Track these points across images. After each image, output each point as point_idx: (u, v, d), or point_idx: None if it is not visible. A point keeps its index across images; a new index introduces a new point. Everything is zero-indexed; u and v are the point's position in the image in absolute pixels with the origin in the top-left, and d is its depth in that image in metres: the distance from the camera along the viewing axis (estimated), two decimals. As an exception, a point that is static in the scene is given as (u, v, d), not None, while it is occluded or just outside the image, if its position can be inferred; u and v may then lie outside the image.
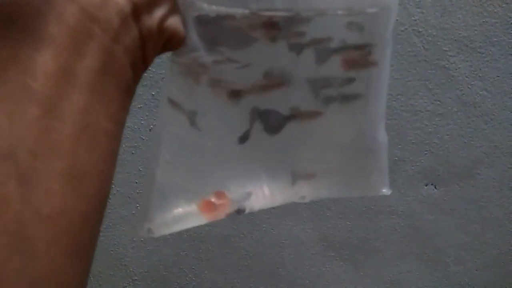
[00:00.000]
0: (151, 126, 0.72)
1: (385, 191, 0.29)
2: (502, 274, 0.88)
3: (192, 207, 0.25)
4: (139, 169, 0.75)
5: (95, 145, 0.15)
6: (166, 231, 0.25)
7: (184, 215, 0.25)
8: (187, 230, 0.81)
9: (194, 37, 0.20)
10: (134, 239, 0.82)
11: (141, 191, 0.77)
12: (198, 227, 0.83)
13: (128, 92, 0.17)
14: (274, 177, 0.27)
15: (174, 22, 0.18)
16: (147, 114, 0.71)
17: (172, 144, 0.24)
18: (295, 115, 0.24)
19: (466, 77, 0.72)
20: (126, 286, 0.87)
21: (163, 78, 0.69)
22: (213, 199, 0.25)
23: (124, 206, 0.78)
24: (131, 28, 0.16)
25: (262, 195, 0.27)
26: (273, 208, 0.81)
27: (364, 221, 0.83)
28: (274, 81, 0.23)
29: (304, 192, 0.28)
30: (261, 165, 0.26)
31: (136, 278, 0.86)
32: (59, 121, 0.14)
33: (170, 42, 0.19)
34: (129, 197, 0.78)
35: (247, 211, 0.27)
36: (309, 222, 0.83)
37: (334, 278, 0.88)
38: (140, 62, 0.18)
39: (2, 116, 0.13)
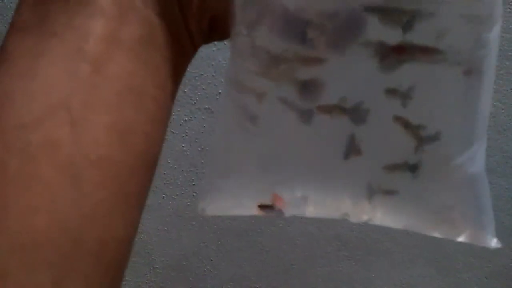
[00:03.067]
0: (182, 121, 0.77)
1: (490, 240, 0.23)
2: (511, 283, 0.89)
3: (249, 202, 0.25)
4: (168, 161, 0.80)
5: (141, 107, 0.17)
6: (218, 213, 0.25)
7: (239, 205, 0.25)
8: (208, 222, 0.86)
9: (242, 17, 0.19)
10: (158, 228, 0.87)
11: (167, 182, 0.82)
12: (219, 220, 0.87)
13: (176, 65, 0.19)
14: (348, 188, 0.24)
15: (214, 1, 0.19)
16: (179, 109, 0.76)
17: (241, 132, 0.23)
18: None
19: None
20: (147, 274, 0.91)
21: (196, 76, 0.74)
22: (270, 202, 0.25)
23: (151, 195, 0.82)
24: (171, 3, 0.18)
25: (323, 204, 0.25)
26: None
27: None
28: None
29: (378, 211, 0.24)
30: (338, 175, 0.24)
31: (157, 266, 0.90)
32: (107, 80, 0.16)
33: (216, 23, 0.20)
34: (156, 187, 0.83)
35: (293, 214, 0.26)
36: (324, 221, 0.86)
37: (346, 277, 0.91)
38: (186, 39, 0.19)
39: (60, 72, 0.16)
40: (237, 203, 0.25)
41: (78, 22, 0.16)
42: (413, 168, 0.23)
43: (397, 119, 0.22)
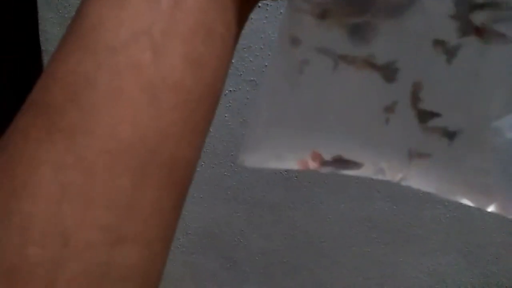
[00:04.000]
0: (227, 92, 0.79)
1: None
2: (542, 279, 0.89)
3: (288, 157, 0.26)
4: (210, 130, 0.83)
5: (210, 42, 0.19)
6: (257, 165, 0.26)
7: (278, 158, 0.26)
8: (243, 194, 0.88)
9: None
10: (194, 194, 0.89)
11: (207, 150, 0.85)
12: (252, 192, 0.89)
13: (240, 10, 0.20)
14: (396, 152, 0.24)
15: None
16: (224, 79, 0.78)
17: (288, 87, 0.24)
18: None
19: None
20: (180, 238, 0.94)
21: (244, 48, 0.76)
22: (309, 160, 0.26)
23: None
24: None
25: (371, 167, 0.25)
26: (325, 182, 0.86)
27: (410, 207, 0.86)
28: None
29: (412, 171, 0.24)
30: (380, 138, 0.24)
31: (190, 232, 0.93)
32: (183, 13, 0.18)
33: None
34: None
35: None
36: (356, 201, 0.87)
37: (374, 260, 0.92)
38: None
39: (144, 4, 0.17)
40: (277, 156, 0.26)
41: None
42: (451, 135, 0.23)
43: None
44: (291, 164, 0.26)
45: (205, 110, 0.19)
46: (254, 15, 0.72)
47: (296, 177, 0.85)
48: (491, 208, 0.23)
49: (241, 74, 0.78)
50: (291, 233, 0.91)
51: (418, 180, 0.24)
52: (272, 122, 0.26)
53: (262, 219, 0.90)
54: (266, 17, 0.73)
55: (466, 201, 0.24)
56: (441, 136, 0.23)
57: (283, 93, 0.25)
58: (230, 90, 0.79)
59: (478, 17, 0.21)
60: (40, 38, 0.78)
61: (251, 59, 0.76)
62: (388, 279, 0.93)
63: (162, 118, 0.18)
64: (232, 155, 0.85)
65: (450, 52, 0.22)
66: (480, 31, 0.21)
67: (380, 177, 0.25)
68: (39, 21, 0.77)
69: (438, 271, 0.92)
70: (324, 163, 0.26)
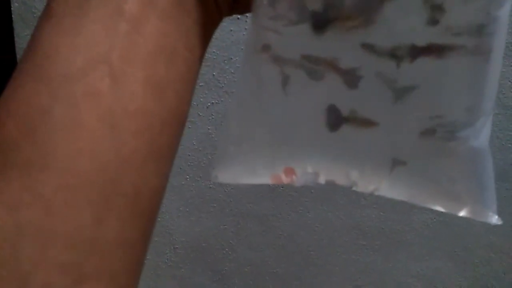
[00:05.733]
0: (209, 104, 0.78)
1: (491, 217, 0.23)
2: (530, 280, 0.89)
3: (261, 172, 0.26)
4: (193, 143, 0.82)
5: (172, 66, 0.18)
6: (230, 181, 0.26)
7: (251, 173, 0.26)
8: (230, 205, 0.87)
9: None
10: (180, 208, 0.88)
11: (191, 163, 0.84)
12: (239, 203, 0.88)
13: (204, 31, 0.20)
14: (369, 161, 0.25)
15: None
16: (206, 92, 0.78)
17: (256, 102, 0.24)
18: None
19: (509, 81, 0.75)
20: (167, 253, 0.93)
21: (225, 60, 0.75)
22: (282, 175, 0.26)
23: (174, 176, 0.84)
24: None
25: (333, 173, 0.25)
26: (312, 191, 0.86)
27: (398, 213, 0.86)
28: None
29: (384, 182, 0.24)
30: (355, 149, 0.24)
31: (177, 246, 0.92)
32: (142, 37, 0.17)
33: None
34: (180, 168, 0.84)
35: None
36: (343, 209, 0.87)
37: (363, 267, 0.92)
38: (213, 7, 0.20)
39: (102, 29, 0.17)
40: (250, 171, 0.26)
41: None
42: (428, 135, 0.23)
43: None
44: (264, 179, 0.26)
45: (170, 135, 0.19)
46: (233, 27, 0.72)
47: (283, 187, 0.85)
48: (462, 213, 0.23)
49: (222, 86, 0.77)
50: (279, 243, 0.91)
51: (391, 189, 0.25)
52: (243, 138, 0.26)
53: (249, 231, 0.90)
54: (245, 28, 0.72)
55: (438, 207, 0.24)
56: (418, 140, 0.23)
57: (252, 108, 0.25)
58: (213, 103, 0.78)
59: (447, 39, 0.21)
60: (18, 56, 0.76)
61: (232, 71, 0.76)
62: (378, 285, 0.93)
63: (123, 147, 0.17)
64: (217, 167, 0.84)
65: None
66: (450, 51, 0.21)
67: (354, 188, 0.25)
68: (16, 39, 0.75)
69: (427, 276, 0.91)
70: (297, 177, 0.26)
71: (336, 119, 0.24)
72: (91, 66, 0.17)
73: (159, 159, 0.18)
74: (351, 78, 0.22)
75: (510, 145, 0.80)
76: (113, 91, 0.17)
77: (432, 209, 0.23)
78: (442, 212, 0.23)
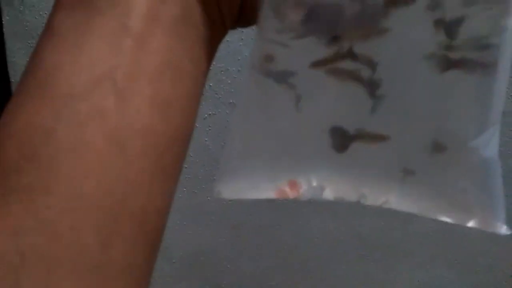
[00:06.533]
0: (206, 115, 0.78)
1: (500, 227, 0.23)
2: (532, 287, 0.89)
3: (266, 187, 0.25)
4: (190, 155, 0.81)
5: (178, 82, 0.18)
6: (234, 196, 0.26)
7: (255, 188, 0.26)
8: (228, 217, 0.86)
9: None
10: (177, 221, 0.87)
11: (189, 176, 0.83)
12: (237, 215, 0.87)
13: (209, 45, 0.20)
14: (378, 175, 0.24)
15: None
16: (203, 103, 0.77)
17: (263, 116, 0.24)
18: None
19: (506, 88, 0.75)
20: (164, 268, 0.91)
21: (221, 71, 0.75)
22: (287, 189, 0.25)
23: (171, 189, 0.83)
24: None
25: (340, 187, 0.25)
26: (311, 202, 0.84)
27: (398, 222, 0.85)
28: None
29: (393, 194, 0.24)
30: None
31: (175, 261, 0.90)
32: (147, 54, 0.17)
33: (244, 8, 0.21)
34: (177, 181, 0.83)
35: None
36: (343, 219, 0.86)
37: (364, 277, 0.91)
38: (218, 20, 0.20)
39: (106, 46, 0.16)
40: (253, 186, 0.25)
41: (121, 0, 0.17)
42: (438, 149, 0.23)
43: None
44: (269, 193, 0.26)
45: (175, 153, 0.18)
46: (229, 38, 0.71)
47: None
48: (471, 224, 0.23)
49: (219, 97, 0.76)
50: (279, 254, 0.89)
51: (400, 201, 0.25)
52: (247, 153, 0.25)
53: (248, 243, 0.88)
54: (242, 39, 0.72)
55: (446, 219, 0.24)
56: (428, 151, 0.23)
57: (259, 122, 0.24)
58: (210, 114, 0.77)
59: (456, 52, 0.21)
60: (9, 70, 0.75)
61: (229, 81, 0.75)
62: (380, 296, 0.92)
63: (130, 167, 0.16)
64: (214, 179, 0.83)
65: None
66: (460, 64, 0.21)
67: (362, 201, 0.25)
68: (7, 52, 0.74)
69: (429, 285, 0.91)
70: (302, 191, 0.25)
71: (343, 140, 0.24)
72: (96, 84, 0.16)
73: (165, 178, 0.18)
74: (372, 88, 0.22)
75: (509, 152, 0.80)
76: (118, 109, 0.16)
77: (433, 218, 0.23)
78: (442, 221, 0.24)
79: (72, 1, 0.17)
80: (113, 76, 0.16)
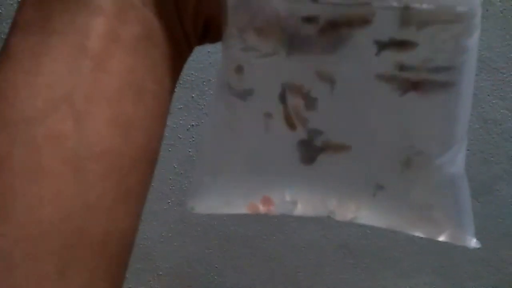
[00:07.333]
0: (189, 126, 0.77)
1: (469, 240, 0.23)
2: (518, 292, 0.89)
3: (238, 202, 0.25)
4: (174, 166, 0.80)
5: (140, 102, 0.17)
6: (207, 212, 0.26)
7: (228, 204, 0.26)
8: (214, 229, 0.85)
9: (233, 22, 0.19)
10: (163, 234, 0.86)
11: (173, 187, 0.82)
12: (224, 226, 0.86)
13: (173, 63, 0.19)
14: (347, 189, 0.25)
15: (209, 3, 0.20)
16: (186, 114, 0.76)
17: (232, 133, 0.24)
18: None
19: (488, 95, 0.76)
20: (151, 280, 0.90)
21: (203, 82, 0.74)
22: (259, 205, 0.25)
23: (156, 201, 0.82)
24: (168, 2, 0.18)
25: (311, 203, 0.25)
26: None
27: (384, 230, 0.85)
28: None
29: (363, 210, 0.24)
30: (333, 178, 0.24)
31: (161, 273, 0.89)
32: (107, 75, 0.16)
33: (210, 25, 0.21)
34: (162, 192, 0.82)
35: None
36: (330, 228, 0.86)
37: (352, 286, 0.90)
38: (182, 39, 0.20)
39: (63, 68, 0.16)
40: (226, 202, 0.25)
41: (79, 20, 0.16)
42: (406, 164, 0.23)
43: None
44: (241, 209, 0.26)
45: (140, 174, 0.18)
46: (211, 48, 0.71)
47: (267, 208, 0.83)
48: (441, 238, 0.24)
49: (202, 108, 0.76)
50: (266, 265, 0.89)
51: (369, 217, 0.25)
52: (218, 169, 0.25)
53: (235, 254, 0.88)
54: (223, 49, 0.72)
55: (417, 233, 0.24)
56: (397, 166, 0.23)
57: (226, 139, 0.24)
58: (193, 125, 0.77)
59: (416, 73, 0.20)
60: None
61: (211, 93, 0.75)
62: (368, 304, 0.92)
63: (89, 191, 0.16)
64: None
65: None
66: (418, 86, 0.21)
67: (332, 217, 0.25)
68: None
69: (417, 292, 0.91)
70: (274, 206, 0.25)
71: (311, 152, 0.24)
72: (53, 108, 0.16)
73: (129, 200, 0.18)
74: (310, 101, 0.22)
75: (492, 158, 0.81)
76: (77, 133, 0.16)
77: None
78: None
79: (28, 22, 0.17)
80: (71, 98, 0.16)
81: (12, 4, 0.70)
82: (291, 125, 0.23)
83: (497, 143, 0.79)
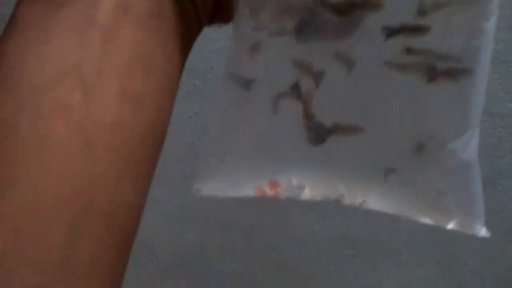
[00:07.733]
0: (192, 114, 0.77)
1: (479, 229, 0.23)
2: (518, 287, 0.89)
3: (245, 185, 0.25)
4: (176, 153, 0.80)
5: (150, 76, 0.17)
6: (213, 194, 0.26)
7: (235, 186, 0.26)
8: (214, 217, 0.85)
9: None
10: (162, 221, 0.86)
11: (174, 174, 0.82)
12: (224, 215, 0.87)
13: (183, 40, 0.19)
14: (357, 173, 0.24)
15: None
16: (189, 102, 0.76)
17: (240, 115, 0.23)
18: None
19: (494, 88, 0.75)
20: (149, 267, 0.90)
21: (206, 69, 0.74)
22: (266, 188, 0.25)
23: (157, 188, 0.82)
24: None
25: (319, 186, 0.25)
26: (298, 202, 0.84)
27: (385, 222, 0.85)
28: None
29: (371, 194, 0.24)
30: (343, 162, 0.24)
31: (160, 259, 0.89)
32: (117, 47, 0.16)
33: (221, 3, 0.20)
34: (162, 179, 0.82)
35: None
36: (331, 219, 0.86)
37: (351, 277, 0.90)
38: (192, 16, 0.19)
39: (72, 40, 0.16)
40: (232, 185, 0.25)
41: None
42: (419, 148, 0.23)
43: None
44: (248, 192, 0.26)
45: (148, 149, 0.18)
46: (215, 35, 0.70)
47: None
48: (450, 226, 0.24)
49: (205, 96, 0.75)
50: (266, 255, 0.89)
51: (379, 201, 0.24)
52: (225, 151, 0.25)
53: (235, 243, 0.88)
54: (228, 37, 0.71)
55: (426, 220, 0.24)
56: (409, 150, 0.23)
57: (235, 121, 0.24)
58: (195, 113, 0.77)
59: (426, 59, 0.20)
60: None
61: (214, 80, 0.74)
62: (367, 296, 0.92)
63: (97, 163, 0.16)
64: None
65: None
66: (434, 72, 0.21)
67: (341, 201, 0.25)
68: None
69: (416, 285, 0.90)
70: (282, 190, 0.25)
71: (320, 133, 0.23)
72: (61, 78, 0.16)
73: (136, 175, 0.18)
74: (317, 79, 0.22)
75: (496, 152, 0.80)
76: (85, 104, 0.16)
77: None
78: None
79: None
80: (79, 70, 0.16)
81: None
82: (307, 115, 0.23)
83: (501, 137, 0.79)
